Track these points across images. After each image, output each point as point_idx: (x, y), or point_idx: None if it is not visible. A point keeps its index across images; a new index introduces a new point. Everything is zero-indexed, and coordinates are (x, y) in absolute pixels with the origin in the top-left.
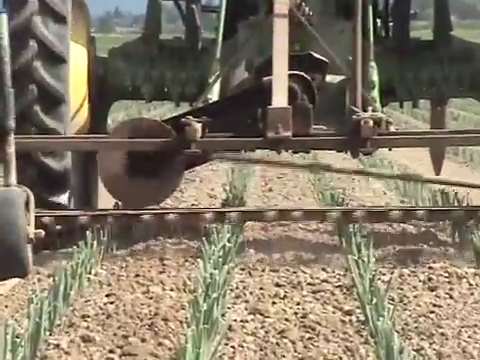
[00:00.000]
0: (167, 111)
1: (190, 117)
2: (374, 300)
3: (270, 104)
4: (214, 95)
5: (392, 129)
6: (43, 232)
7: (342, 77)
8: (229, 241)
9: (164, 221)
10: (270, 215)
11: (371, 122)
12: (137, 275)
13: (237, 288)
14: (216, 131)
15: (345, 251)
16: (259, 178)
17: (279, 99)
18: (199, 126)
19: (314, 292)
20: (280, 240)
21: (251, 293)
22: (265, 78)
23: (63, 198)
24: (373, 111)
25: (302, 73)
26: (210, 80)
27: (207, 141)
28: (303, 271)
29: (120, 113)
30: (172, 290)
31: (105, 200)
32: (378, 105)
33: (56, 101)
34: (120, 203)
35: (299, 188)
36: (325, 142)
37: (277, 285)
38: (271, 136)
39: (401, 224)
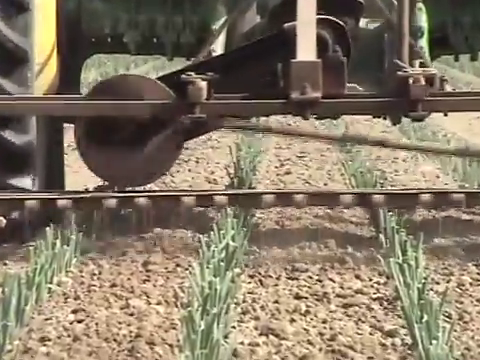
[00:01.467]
0: (152, 70)
1: (192, 73)
2: (424, 317)
3: (294, 57)
4: (218, 46)
5: (448, 89)
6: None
7: (378, 22)
8: (233, 239)
9: (152, 206)
10: (283, 199)
11: (422, 79)
12: (114, 284)
13: (244, 301)
14: (225, 91)
15: (385, 251)
16: (273, 157)
17: (306, 51)
18: (204, 85)
19: (345, 306)
20: (300, 236)
21: (263, 308)
22: (287, 24)
23: (26, 181)
24: (422, 65)
25: (333, 18)
26: (214, 27)
27: (214, 104)
28: (330, 278)
29: (91, 72)
30: (159, 304)
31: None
32: (428, 58)
33: (17, 60)
34: (105, 182)
35: (325, 170)
36: (363, 105)
37: (297, 297)
38: (296, 97)
39: (462, 214)
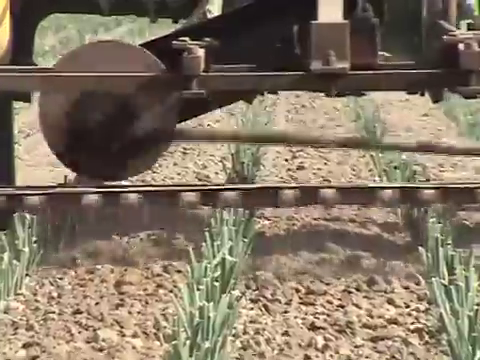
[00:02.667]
0: (127, 35)
1: (186, 39)
2: (477, 354)
3: (315, 18)
4: (215, 5)
5: None
6: None
7: None
8: (231, 252)
9: (130, 207)
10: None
11: (475, 45)
12: (78, 311)
13: (245, 332)
14: (226, 62)
15: (427, 269)
16: (283, 148)
17: (329, 10)
18: (202, 53)
19: (374, 340)
20: (316, 248)
21: (268, 341)
22: None
23: None
24: (471, 27)
25: None
26: None
27: (214, 77)
28: (355, 304)
29: (48, 38)
30: (136, 336)
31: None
32: (479, 18)
33: None
34: (73, 175)
35: (348, 165)
36: (400, 78)
37: (312, 327)
38: (317, 69)
39: None
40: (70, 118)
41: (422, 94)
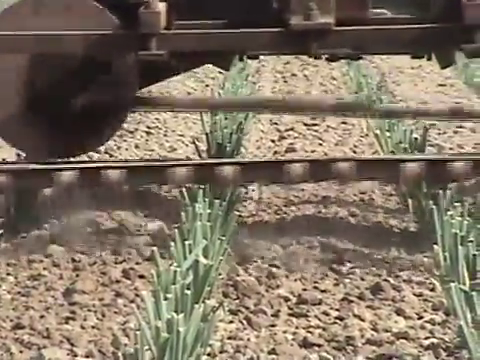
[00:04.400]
0: None
1: None
2: None
3: None
4: None
5: None
6: None
7: None
8: (206, 253)
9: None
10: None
11: None
12: (18, 325)
13: (223, 351)
14: (192, 18)
15: (443, 271)
16: (268, 125)
17: None
18: (163, 7)
19: (380, 359)
20: (309, 246)
21: None
22: None
23: None
24: None
25: None
26: None
27: (177, 36)
28: (357, 315)
29: None
30: (90, 356)
31: None
32: None
33: None
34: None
35: (348, 146)
36: (395, 35)
37: (305, 344)
38: (297, 25)
39: None
40: (11, 87)
41: (429, 58)
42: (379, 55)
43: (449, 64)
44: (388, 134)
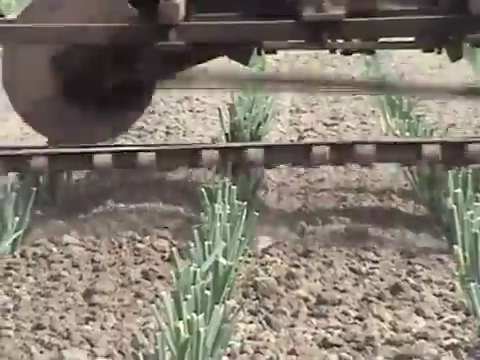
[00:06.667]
0: None
1: None
2: None
3: None
4: None
5: None
6: None
7: None
8: (226, 254)
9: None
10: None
11: None
12: (38, 326)
13: (243, 351)
14: (209, 10)
15: (464, 271)
16: (287, 125)
17: None
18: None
19: (399, 359)
20: (329, 241)
21: None
22: None
23: None
24: None
25: None
26: None
27: (195, 27)
28: (376, 315)
29: None
30: (109, 357)
31: None
32: None
33: None
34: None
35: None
36: (405, 26)
37: (324, 344)
38: (309, 16)
39: None
40: (37, 76)
41: (439, 51)
42: (392, 50)
43: (459, 57)
44: (408, 134)
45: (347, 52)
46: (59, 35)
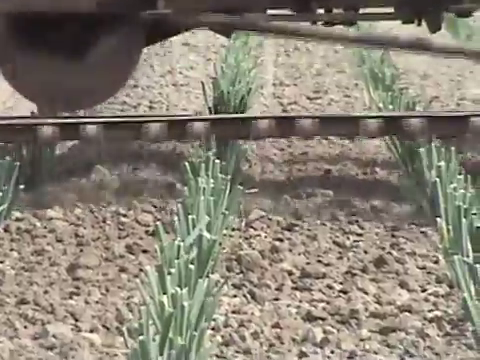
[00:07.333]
0: None
1: None
2: None
3: None
4: None
5: None
6: None
7: None
8: (209, 227)
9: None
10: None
11: None
12: (22, 301)
13: (227, 325)
14: None
15: (447, 244)
16: (270, 99)
17: None
18: None
19: (384, 332)
20: (312, 214)
21: (255, 335)
22: None
23: None
24: None
25: None
26: None
27: None
28: (360, 288)
29: None
30: (94, 331)
31: None
32: None
33: None
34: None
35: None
36: None
37: (308, 318)
38: None
39: None
40: (25, 41)
41: (419, 23)
42: (371, 21)
43: (438, 28)
44: (391, 107)
45: (329, 23)
46: (50, 2)
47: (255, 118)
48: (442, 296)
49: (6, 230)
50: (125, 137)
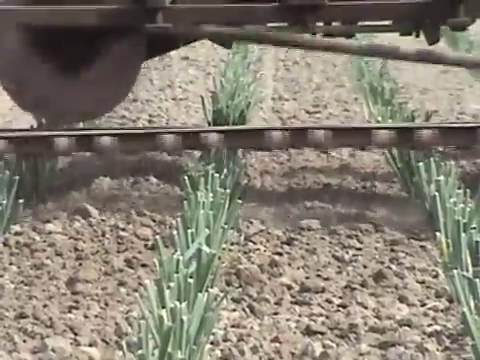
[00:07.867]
0: None
1: None
2: None
3: None
4: None
5: None
6: None
7: None
8: (209, 242)
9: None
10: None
11: None
12: (21, 315)
13: (226, 340)
14: None
15: (446, 258)
16: (270, 113)
17: None
18: None
19: (383, 346)
20: (311, 228)
21: (255, 349)
22: None
23: None
24: None
25: None
26: None
27: (182, 10)
28: (360, 303)
29: None
30: (93, 345)
31: None
32: None
33: None
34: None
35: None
36: (384, 9)
37: (308, 332)
38: (293, 0)
39: None
40: (26, 55)
41: (417, 35)
42: (369, 33)
43: (436, 40)
44: (390, 121)
45: (328, 34)
46: (51, 16)
47: (269, 129)
48: (441, 311)
49: (5, 244)
50: (139, 149)
